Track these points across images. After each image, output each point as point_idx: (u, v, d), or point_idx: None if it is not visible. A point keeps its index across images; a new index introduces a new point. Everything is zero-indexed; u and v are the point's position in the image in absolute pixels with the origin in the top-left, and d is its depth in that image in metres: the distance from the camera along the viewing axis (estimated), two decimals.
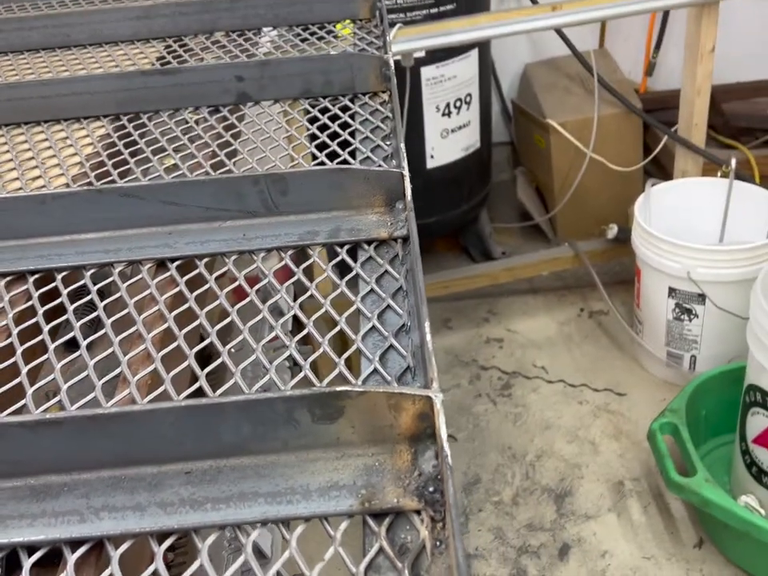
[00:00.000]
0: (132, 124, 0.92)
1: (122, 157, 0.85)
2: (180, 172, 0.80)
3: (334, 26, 1.16)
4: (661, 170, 2.19)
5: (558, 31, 2.12)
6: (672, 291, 1.63)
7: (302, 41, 1.12)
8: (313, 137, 0.87)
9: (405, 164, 0.70)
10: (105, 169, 0.82)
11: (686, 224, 1.74)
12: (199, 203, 0.68)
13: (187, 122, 0.92)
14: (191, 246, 0.67)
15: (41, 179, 0.82)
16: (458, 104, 1.88)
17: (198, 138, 0.88)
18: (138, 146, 0.87)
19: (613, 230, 1.91)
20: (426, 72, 1.79)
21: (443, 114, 1.87)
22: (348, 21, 1.18)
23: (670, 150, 2.09)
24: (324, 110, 0.91)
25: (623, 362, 1.83)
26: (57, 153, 0.87)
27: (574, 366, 1.83)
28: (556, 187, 2.11)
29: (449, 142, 1.91)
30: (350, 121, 0.88)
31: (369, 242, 0.67)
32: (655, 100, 2.25)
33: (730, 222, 1.73)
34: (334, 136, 0.85)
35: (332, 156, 0.82)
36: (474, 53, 1.85)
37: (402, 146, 0.74)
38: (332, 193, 0.69)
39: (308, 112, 0.92)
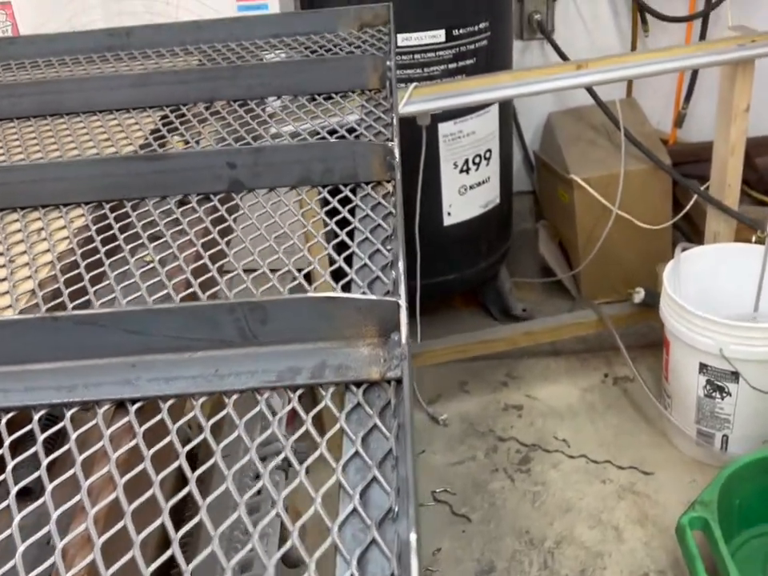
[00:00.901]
0: (114, 214, 0.84)
1: (97, 256, 0.77)
2: (157, 279, 0.72)
3: (342, 98, 1.09)
4: (692, 226, 2.09)
5: None
6: (703, 367, 1.52)
7: (306, 113, 1.05)
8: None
9: (402, 288, 0.62)
10: (77, 272, 0.75)
11: (718, 292, 1.64)
12: (167, 332, 0.60)
13: (173, 213, 0.84)
14: (155, 383, 0.59)
15: (5, 282, 0.75)
16: (476, 160, 1.79)
17: (183, 233, 0.80)
18: (117, 243, 0.80)
19: (640, 295, 1.81)
20: (444, 128, 1.72)
21: (461, 171, 1.78)
22: (357, 91, 1.11)
23: (701, 207, 1.99)
24: (323, 203, 0.83)
25: (650, 436, 1.72)
26: (28, 249, 0.80)
27: (598, 439, 1.72)
28: (580, 244, 2.02)
29: (467, 198, 1.83)
30: (349, 217, 0.80)
31: (358, 384, 0.58)
32: (685, 152, 2.15)
33: (766, 290, 1.63)
34: (331, 236, 0.78)
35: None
36: (494, 108, 1.77)
37: (402, 262, 0.66)
38: (318, 322, 0.60)
39: (305, 204, 0.85)
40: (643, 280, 2.02)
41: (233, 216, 0.84)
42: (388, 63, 1.09)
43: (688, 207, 1.95)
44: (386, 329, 0.61)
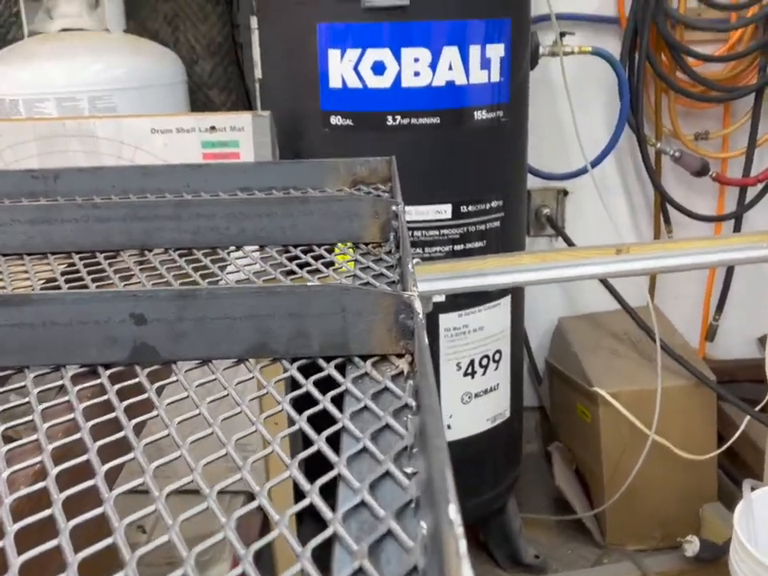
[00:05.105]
0: None
1: None
2: None
3: (327, 251, 0.77)
4: (735, 460, 1.73)
5: (604, 282, 1.77)
6: None
7: (288, 273, 0.71)
8: None
9: None
10: None
11: None
12: None
13: (29, 410, 0.48)
14: None
15: None
16: (484, 362, 1.46)
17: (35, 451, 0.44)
18: None
19: (693, 546, 1.41)
20: (446, 320, 1.40)
21: (465, 374, 1.45)
22: (348, 245, 0.79)
23: (748, 437, 1.65)
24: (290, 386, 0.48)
25: None
26: None
27: None
28: (606, 474, 1.64)
29: (472, 408, 1.47)
30: (334, 412, 0.44)
31: None
32: (721, 370, 1.84)
33: None
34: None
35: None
36: (506, 301, 1.47)
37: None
38: None
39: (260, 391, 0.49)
40: (684, 525, 1.63)
41: (133, 420, 0.48)
42: (394, 208, 0.78)
43: (736, 435, 1.60)
44: None
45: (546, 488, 1.86)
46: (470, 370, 1.44)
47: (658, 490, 1.63)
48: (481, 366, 1.46)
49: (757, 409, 1.60)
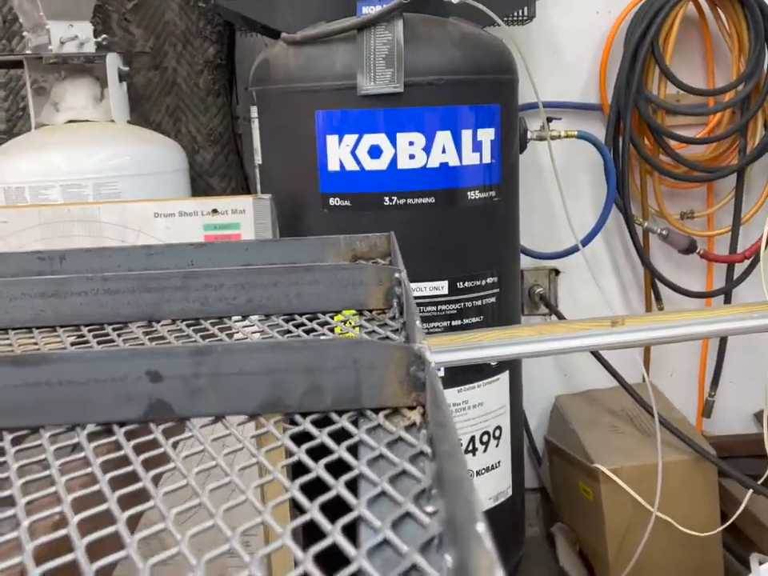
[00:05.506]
0: None
1: None
2: None
3: (332, 318, 0.79)
4: (739, 537, 1.70)
5: (600, 359, 1.79)
6: None
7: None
8: None
9: None
10: None
11: None
12: None
13: (47, 464, 0.49)
14: None
15: None
16: (484, 438, 1.46)
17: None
18: None
19: None
20: (446, 397, 1.40)
21: (467, 451, 1.44)
22: (352, 312, 0.81)
23: (751, 513, 1.63)
24: (302, 440, 0.49)
25: None
26: None
27: None
28: (610, 554, 1.61)
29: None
30: (351, 460, 0.45)
31: None
32: (719, 446, 1.83)
33: None
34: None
35: None
36: (505, 377, 1.48)
37: None
38: None
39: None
40: None
41: (151, 472, 0.48)
42: (397, 275, 0.80)
43: (739, 511, 1.59)
44: None
45: (550, 571, 1.82)
46: (471, 447, 1.44)
47: (664, 569, 1.60)
48: (482, 442, 1.45)
49: (758, 483, 1.59)
